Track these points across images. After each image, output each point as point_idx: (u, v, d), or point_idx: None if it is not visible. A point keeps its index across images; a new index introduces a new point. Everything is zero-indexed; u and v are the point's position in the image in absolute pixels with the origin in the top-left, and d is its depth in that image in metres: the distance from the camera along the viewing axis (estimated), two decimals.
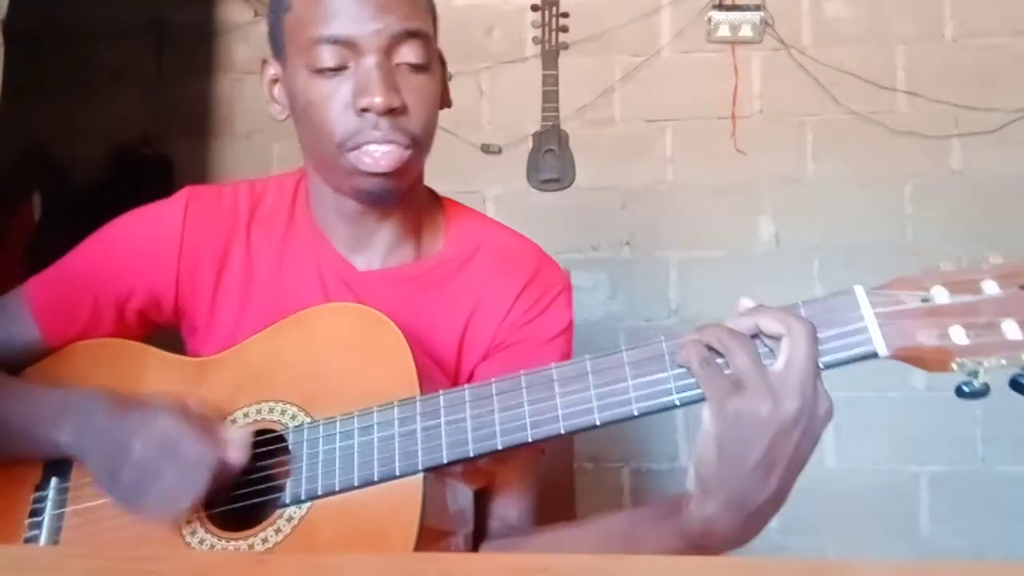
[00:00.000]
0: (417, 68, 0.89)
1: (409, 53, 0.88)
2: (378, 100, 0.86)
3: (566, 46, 2.43)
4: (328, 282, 0.98)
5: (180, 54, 2.62)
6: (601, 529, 0.87)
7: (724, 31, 2.42)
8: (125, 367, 0.95)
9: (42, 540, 0.86)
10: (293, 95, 0.92)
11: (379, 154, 0.88)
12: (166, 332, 1.03)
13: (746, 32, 2.41)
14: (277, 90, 0.97)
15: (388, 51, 0.88)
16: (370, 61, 0.87)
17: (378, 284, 0.98)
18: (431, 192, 1.05)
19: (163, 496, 0.80)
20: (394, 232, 0.99)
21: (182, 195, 1.00)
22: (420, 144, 0.91)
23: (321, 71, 0.88)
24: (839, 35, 2.42)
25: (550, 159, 2.42)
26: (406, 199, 0.98)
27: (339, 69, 0.87)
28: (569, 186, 2.42)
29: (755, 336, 0.73)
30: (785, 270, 2.37)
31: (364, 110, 0.87)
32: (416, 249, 1.01)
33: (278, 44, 0.94)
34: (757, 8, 2.40)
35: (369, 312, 0.87)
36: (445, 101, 0.99)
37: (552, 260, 1.05)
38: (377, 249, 0.99)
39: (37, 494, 0.90)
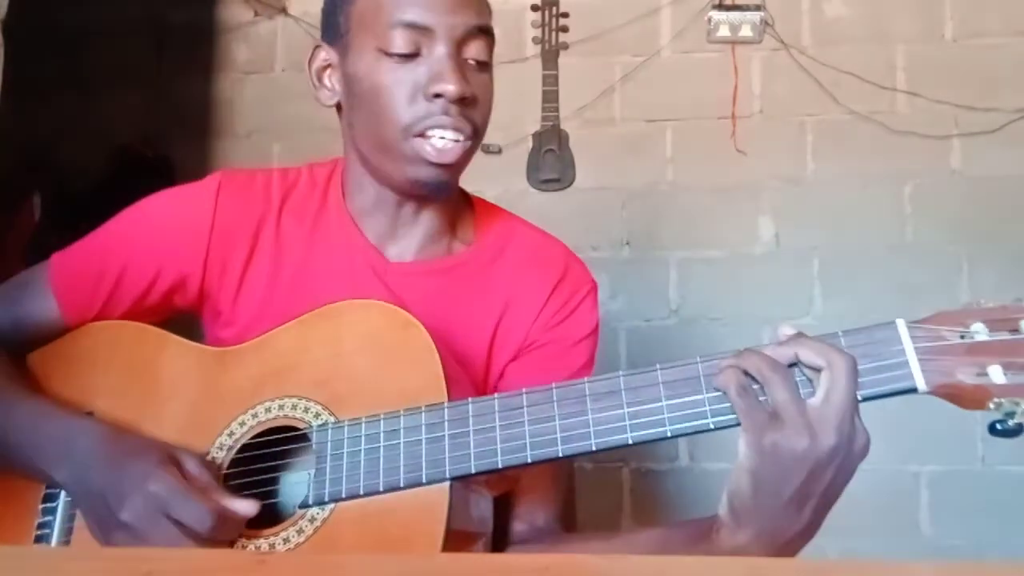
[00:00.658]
0: (481, 65, 0.92)
1: (478, 49, 0.91)
2: (452, 88, 0.87)
3: (566, 46, 2.42)
4: (358, 272, 0.97)
5: (180, 54, 2.62)
6: (632, 546, 0.87)
7: (724, 31, 2.42)
8: (144, 352, 0.93)
9: (54, 535, 0.86)
10: (355, 79, 0.92)
11: (442, 144, 0.89)
12: (183, 319, 1.02)
13: (746, 32, 2.41)
14: (328, 76, 0.97)
15: (460, 44, 0.90)
16: (443, 50, 0.89)
17: (409, 276, 0.98)
18: (461, 189, 1.06)
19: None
20: (430, 225, 0.99)
21: (215, 178, 1.00)
22: (479, 138, 0.93)
23: (393, 55, 0.89)
24: (839, 35, 2.41)
25: (550, 159, 2.42)
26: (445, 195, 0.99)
27: (411, 56, 0.89)
28: (569, 186, 2.42)
29: (793, 365, 0.72)
30: (785, 270, 2.37)
31: (437, 96, 0.88)
32: (448, 244, 1.01)
33: (338, 30, 0.95)
34: (757, 8, 2.40)
35: (398, 312, 0.86)
36: None
37: (579, 259, 1.06)
38: (411, 241, 0.99)
39: (49, 491, 0.89)
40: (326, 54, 0.97)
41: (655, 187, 2.45)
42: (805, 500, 0.71)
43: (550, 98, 2.41)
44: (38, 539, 0.86)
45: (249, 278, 0.98)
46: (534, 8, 2.42)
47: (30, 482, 0.89)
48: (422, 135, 0.89)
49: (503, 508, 0.95)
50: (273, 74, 2.60)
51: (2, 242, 2.32)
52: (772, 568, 0.59)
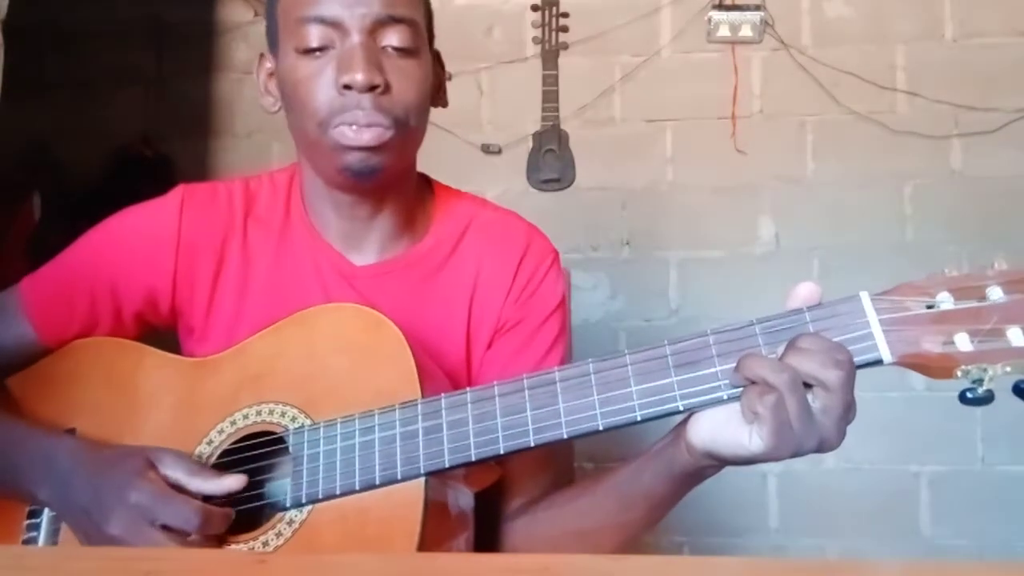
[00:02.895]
0: (402, 52, 0.90)
1: (394, 36, 0.90)
2: (359, 77, 0.86)
3: (566, 46, 2.42)
4: (327, 279, 0.98)
5: (180, 54, 2.62)
6: (615, 484, 0.88)
7: (724, 31, 2.42)
8: (122, 367, 0.94)
9: (40, 540, 0.86)
10: (282, 79, 0.93)
11: (359, 130, 0.88)
12: (160, 335, 1.02)
13: (746, 32, 2.41)
14: (272, 83, 0.98)
15: (372, 33, 0.89)
16: (352, 40, 0.88)
17: (377, 278, 0.98)
18: (423, 179, 1.05)
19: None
20: (388, 225, 0.99)
21: (177, 193, 0.99)
22: (405, 126, 0.90)
23: (307, 51, 0.89)
24: (839, 35, 2.41)
25: (550, 159, 2.42)
26: (397, 191, 0.98)
27: (324, 49, 0.89)
28: (569, 186, 2.42)
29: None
30: (785, 270, 2.37)
31: (346, 87, 0.87)
32: (410, 238, 1.01)
33: (273, 36, 0.95)
34: (757, 8, 2.40)
35: (369, 313, 0.87)
36: (440, 100, 1.00)
37: (539, 230, 1.06)
38: (371, 243, 0.99)
39: (34, 507, 0.89)
40: (268, 63, 0.98)
41: (655, 187, 2.45)
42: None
43: (550, 98, 2.41)
44: (26, 542, 0.87)
45: (219, 292, 0.98)
46: (534, 8, 2.42)
47: (14, 501, 0.89)
48: (338, 127, 0.88)
49: (494, 490, 0.95)
50: None
51: (2, 242, 2.32)
52: (772, 568, 0.59)
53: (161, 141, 2.55)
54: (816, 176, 2.40)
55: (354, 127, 0.88)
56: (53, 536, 0.86)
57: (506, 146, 2.43)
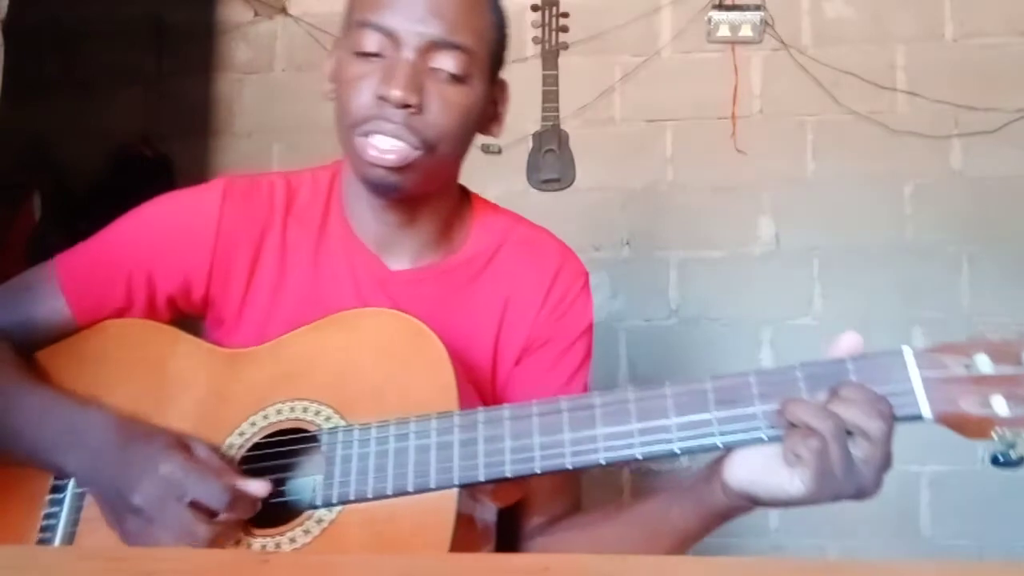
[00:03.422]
0: (452, 78, 0.89)
1: (446, 61, 0.89)
2: (395, 92, 0.86)
3: (566, 46, 2.43)
4: (361, 280, 0.97)
5: (180, 54, 2.62)
6: (642, 515, 0.89)
7: (724, 31, 2.42)
8: (155, 350, 0.93)
9: (60, 526, 0.85)
10: (334, 74, 0.93)
11: (385, 146, 0.87)
12: (183, 321, 1.01)
13: (746, 32, 2.41)
14: (335, 68, 0.97)
15: (425, 52, 0.88)
16: (403, 55, 0.88)
17: (411, 284, 0.98)
18: (463, 190, 1.06)
19: (169, 543, 0.77)
20: (423, 234, 0.99)
21: (219, 184, 0.99)
22: (433, 149, 0.89)
23: (359, 54, 0.89)
24: (839, 35, 2.42)
25: (550, 159, 2.42)
26: (432, 203, 0.98)
27: (375, 55, 0.88)
28: (569, 186, 2.42)
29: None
30: (785, 270, 2.37)
31: (381, 98, 0.87)
32: (446, 248, 1.01)
33: (345, 24, 0.95)
34: (757, 8, 2.40)
35: (411, 321, 0.86)
36: (491, 130, 1.01)
37: (571, 250, 1.06)
38: (406, 249, 0.99)
39: (56, 482, 0.88)
40: (337, 51, 0.97)
41: (655, 187, 2.45)
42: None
43: (550, 98, 2.41)
44: (44, 529, 0.86)
45: (254, 286, 0.97)
46: (534, 8, 2.42)
47: (37, 474, 0.89)
48: (365, 135, 0.88)
49: (513, 523, 0.95)
50: (273, 74, 2.60)
51: (2, 242, 2.32)
52: (772, 568, 0.59)
53: (161, 141, 2.55)
54: (816, 176, 2.40)
55: (378, 141, 0.87)
56: (75, 512, 0.85)
57: (506, 146, 2.43)
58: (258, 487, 0.80)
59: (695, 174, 2.43)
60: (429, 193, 0.96)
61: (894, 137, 2.36)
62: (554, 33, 2.42)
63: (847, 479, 0.73)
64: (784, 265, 2.38)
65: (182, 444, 0.81)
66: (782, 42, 2.42)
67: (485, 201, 1.07)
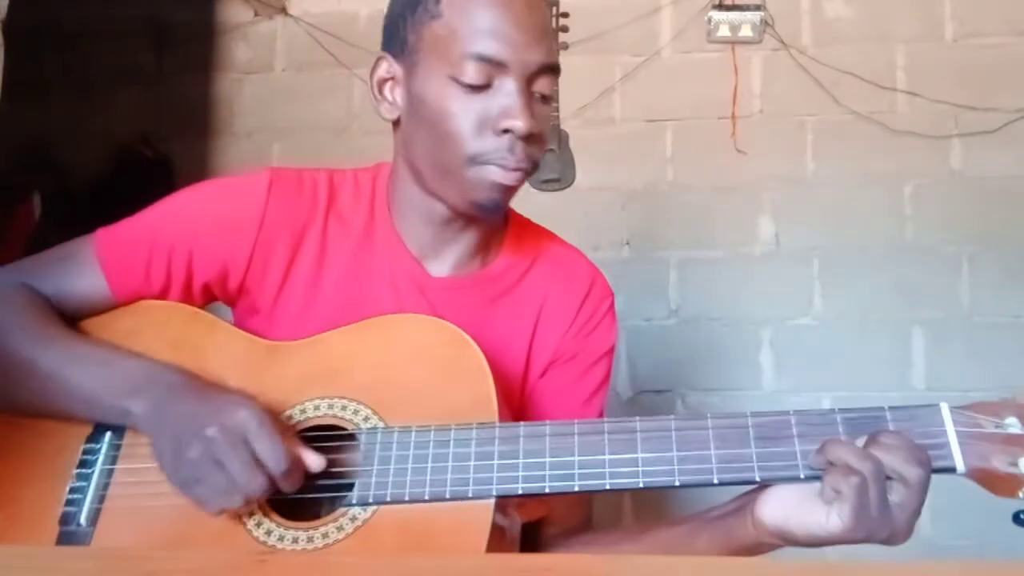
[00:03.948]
0: (546, 99, 0.93)
1: (545, 85, 0.92)
2: (522, 125, 0.87)
3: (566, 46, 2.42)
4: (400, 284, 0.98)
5: (180, 54, 2.62)
6: (666, 538, 0.90)
7: (724, 31, 2.42)
8: (192, 334, 0.93)
9: (88, 493, 0.85)
10: (421, 100, 0.92)
11: (509, 177, 0.90)
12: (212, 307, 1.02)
13: (746, 32, 2.41)
14: (390, 89, 0.96)
15: (531, 79, 0.90)
16: (514, 86, 0.89)
17: (449, 291, 0.99)
18: None
19: (219, 488, 0.78)
20: (471, 242, 1.00)
21: (265, 174, 0.99)
22: (537, 168, 0.94)
23: (464, 84, 0.89)
24: (839, 35, 2.42)
25: (550, 159, 2.42)
26: None
27: (482, 87, 0.89)
28: (569, 186, 2.42)
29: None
30: (785, 270, 2.37)
31: (505, 131, 0.88)
32: (483, 258, 1.02)
33: (406, 45, 0.93)
34: (757, 8, 2.40)
35: (452, 330, 0.87)
36: None
37: (599, 270, 1.09)
38: (450, 256, 1.00)
39: (88, 445, 0.88)
40: (389, 66, 0.96)
41: (655, 187, 2.45)
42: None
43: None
44: (69, 503, 0.85)
45: (291, 280, 0.98)
46: None
47: (67, 441, 0.88)
48: (485, 164, 0.90)
49: (532, 539, 0.96)
50: (273, 74, 2.60)
51: (2, 242, 2.33)
52: (772, 568, 0.59)
53: (161, 141, 2.55)
54: (816, 176, 2.40)
55: (501, 170, 0.89)
56: (103, 489, 0.85)
57: None
58: (313, 460, 0.81)
59: (695, 174, 2.43)
60: None
61: (894, 137, 2.36)
62: (554, 33, 2.42)
63: (882, 520, 0.76)
64: (784, 265, 2.38)
65: (260, 404, 0.82)
66: (782, 42, 2.42)
67: (519, 215, 1.09)
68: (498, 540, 0.80)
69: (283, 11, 2.59)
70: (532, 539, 0.96)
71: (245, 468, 0.77)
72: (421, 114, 0.92)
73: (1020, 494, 0.76)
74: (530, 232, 1.07)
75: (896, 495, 0.75)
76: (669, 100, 2.44)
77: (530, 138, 0.89)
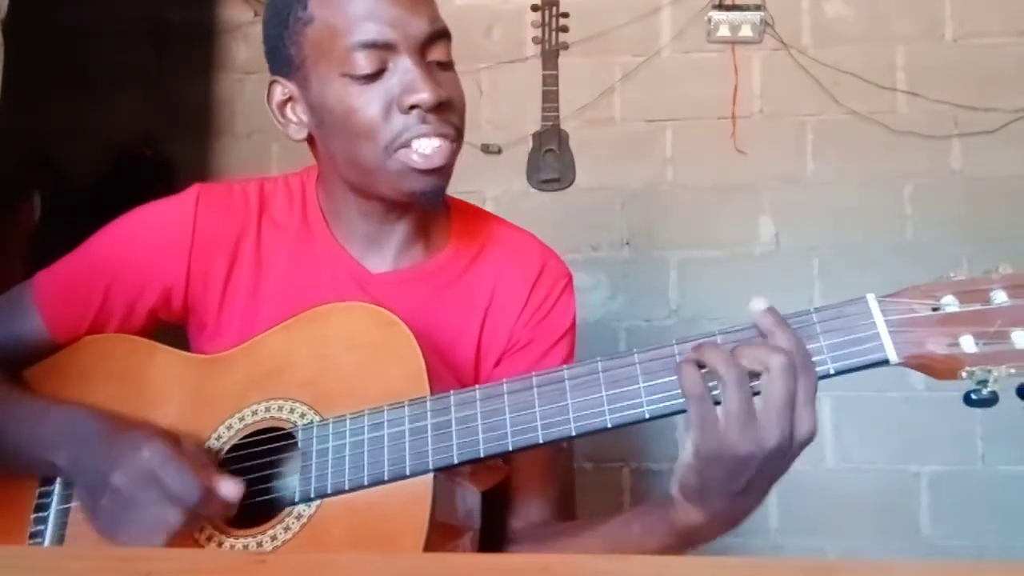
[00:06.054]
0: (445, 66, 0.92)
1: (439, 52, 0.91)
2: (427, 95, 0.87)
3: (566, 46, 2.42)
4: (341, 283, 0.98)
5: (180, 54, 2.62)
6: (605, 529, 0.88)
7: (724, 31, 2.42)
8: (133, 363, 0.94)
9: (47, 534, 0.86)
10: (324, 107, 0.91)
11: (430, 150, 0.88)
12: (167, 331, 1.02)
13: (746, 32, 2.41)
14: (292, 109, 0.96)
15: (422, 51, 0.89)
16: (408, 61, 0.88)
17: (392, 286, 0.98)
18: None
19: (138, 529, 0.78)
20: (406, 233, 0.99)
21: (192, 192, 1.00)
22: (462, 137, 0.92)
23: (359, 77, 0.88)
24: (839, 35, 2.41)
25: (550, 159, 2.42)
26: None
27: (378, 74, 0.88)
28: (569, 186, 2.42)
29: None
30: (785, 270, 2.37)
31: (413, 107, 0.87)
32: (425, 249, 1.01)
33: (292, 62, 0.93)
34: (757, 8, 2.40)
35: (380, 312, 0.87)
36: None
37: (553, 251, 1.07)
38: (388, 250, 0.99)
39: (42, 488, 0.89)
40: (283, 88, 0.96)
41: (655, 187, 2.45)
42: (751, 487, 0.73)
43: (550, 98, 2.41)
44: (33, 535, 0.87)
45: (231, 290, 0.98)
46: (534, 8, 2.42)
47: (23, 488, 0.90)
48: (406, 146, 0.88)
49: (498, 507, 0.95)
50: None
51: (2, 242, 2.32)
52: (772, 568, 0.59)
53: (161, 141, 2.55)
54: (816, 176, 2.40)
55: (422, 146, 0.88)
56: (60, 530, 0.86)
57: (506, 146, 2.43)
58: (228, 488, 0.79)
59: (695, 174, 2.43)
60: None
61: (894, 137, 2.36)
62: (554, 33, 2.42)
63: (740, 424, 0.70)
64: (784, 265, 2.38)
65: (170, 436, 0.82)
66: (782, 42, 2.41)
67: (459, 200, 1.07)
68: (447, 512, 0.81)
69: None
70: (498, 529, 0.96)
71: (156, 507, 0.77)
72: (329, 121, 0.91)
73: (963, 374, 0.69)
74: (477, 219, 1.06)
75: (762, 389, 0.70)
76: (669, 100, 2.44)
77: (441, 107, 0.88)
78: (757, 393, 0.71)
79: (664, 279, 2.42)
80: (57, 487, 0.89)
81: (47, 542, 0.86)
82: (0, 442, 0.89)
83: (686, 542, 0.79)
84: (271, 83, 0.97)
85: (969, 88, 2.33)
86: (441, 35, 0.90)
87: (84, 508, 0.83)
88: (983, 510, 2.24)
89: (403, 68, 0.88)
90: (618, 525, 0.86)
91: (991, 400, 0.69)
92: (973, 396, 0.70)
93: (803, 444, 0.72)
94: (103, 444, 0.83)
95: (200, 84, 2.60)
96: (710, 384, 0.72)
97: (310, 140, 0.98)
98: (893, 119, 2.37)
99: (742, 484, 0.72)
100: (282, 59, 0.94)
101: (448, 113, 0.89)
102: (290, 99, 0.95)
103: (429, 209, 0.99)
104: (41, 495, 0.89)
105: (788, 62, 2.41)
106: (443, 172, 0.91)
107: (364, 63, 0.87)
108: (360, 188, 0.95)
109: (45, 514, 0.88)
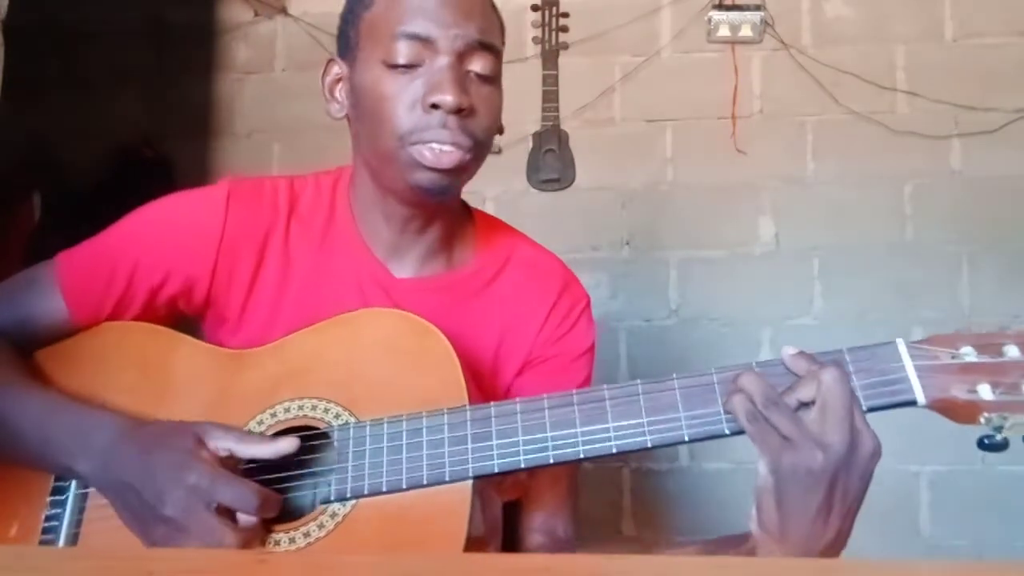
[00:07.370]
0: (485, 79, 0.92)
1: (480, 63, 0.91)
2: (449, 98, 0.88)
3: (566, 46, 2.42)
4: (366, 287, 0.98)
5: (180, 54, 2.62)
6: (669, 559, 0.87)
7: (724, 31, 2.42)
8: (156, 352, 0.94)
9: (63, 527, 0.85)
10: (361, 90, 0.93)
11: (441, 153, 0.89)
12: (180, 323, 1.01)
13: (746, 32, 2.41)
14: (339, 89, 0.98)
15: (462, 56, 0.90)
16: (443, 61, 0.89)
17: (415, 292, 0.98)
18: (463, 202, 1.07)
19: (199, 545, 0.78)
20: (432, 241, 1.00)
21: (224, 185, 0.99)
22: (480, 150, 0.93)
23: (395, 66, 0.90)
24: (839, 35, 2.42)
25: (550, 159, 2.42)
26: (447, 208, 1.00)
27: (413, 66, 0.90)
28: (569, 186, 2.42)
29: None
30: (785, 270, 2.37)
31: (434, 106, 0.88)
32: (448, 259, 1.02)
33: (349, 43, 0.95)
34: (757, 8, 2.40)
35: (416, 320, 0.88)
36: (500, 126, 1.02)
37: (573, 274, 1.08)
38: (413, 257, 1.00)
39: (58, 484, 0.88)
40: (338, 68, 0.98)
41: (655, 187, 2.45)
42: (829, 510, 0.74)
43: (550, 98, 2.41)
44: (46, 531, 0.86)
45: (257, 287, 0.98)
46: (534, 8, 2.42)
47: (36, 475, 0.89)
48: (420, 142, 0.89)
49: (515, 519, 0.96)
50: (273, 74, 2.60)
51: (2, 242, 2.32)
52: (772, 568, 0.59)
53: (161, 141, 2.55)
54: (816, 176, 2.40)
55: (434, 147, 0.89)
56: (79, 513, 0.86)
57: (506, 146, 2.43)
58: (285, 444, 0.81)
59: (695, 174, 2.43)
60: (454, 197, 0.99)
61: (894, 137, 2.36)
62: (554, 33, 2.42)
63: (797, 438, 0.72)
64: (784, 265, 2.38)
65: (200, 442, 0.81)
66: (782, 42, 2.41)
67: (487, 215, 1.09)
68: (480, 521, 0.81)
69: (283, 11, 2.59)
70: (516, 532, 0.96)
71: (213, 532, 0.77)
72: (362, 105, 0.93)
73: (981, 419, 0.75)
74: (502, 235, 1.07)
75: (815, 409, 0.73)
76: (669, 100, 2.44)
77: (467, 115, 0.89)
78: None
79: (664, 279, 2.42)
80: (72, 485, 0.88)
81: (63, 525, 0.85)
82: (9, 436, 0.88)
83: None
84: (329, 61, 0.99)
85: (969, 88, 2.33)
86: (487, 47, 0.91)
87: (127, 523, 0.82)
88: (983, 510, 2.23)
89: (437, 67, 0.89)
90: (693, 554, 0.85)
91: (1002, 446, 0.75)
92: (986, 441, 0.75)
93: (870, 458, 0.74)
94: (136, 466, 0.81)
95: (200, 84, 2.60)
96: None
97: (349, 122, 0.99)
98: (893, 119, 2.37)
99: (818, 502, 0.73)
100: (343, 40, 0.97)
101: (469, 122, 0.90)
102: (340, 79, 0.98)
103: (448, 217, 1.00)
104: (55, 491, 0.88)
105: (788, 62, 2.41)
106: (451, 173, 0.91)
107: (402, 53, 0.89)
108: (379, 180, 0.96)
109: (63, 496, 0.87)
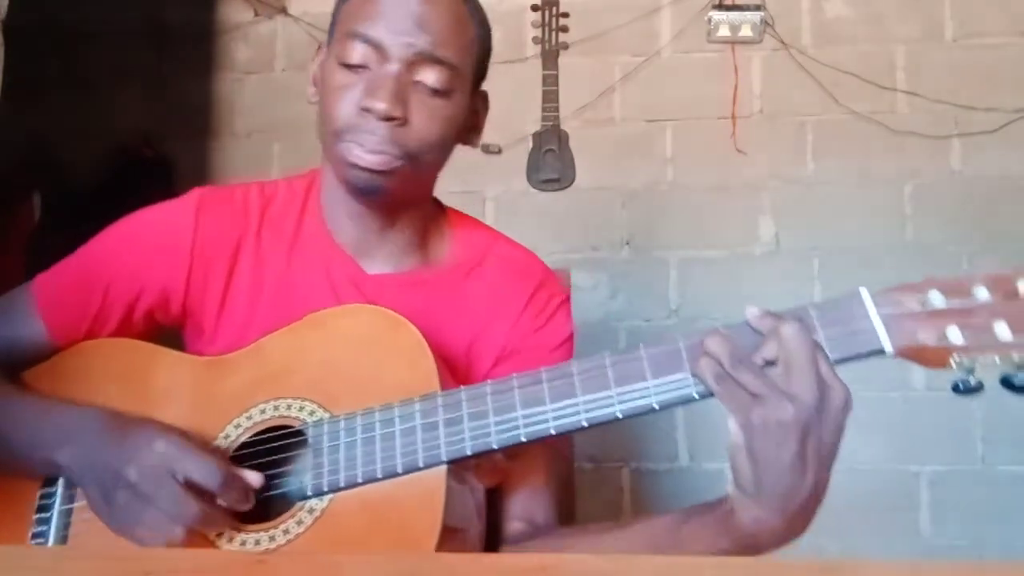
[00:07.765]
0: (434, 92, 0.91)
1: (430, 75, 0.90)
2: (380, 105, 0.88)
3: (566, 46, 2.42)
4: (338, 284, 0.98)
5: (180, 54, 2.62)
6: (646, 531, 0.86)
7: (724, 31, 2.42)
8: (136, 364, 0.94)
9: (51, 536, 0.86)
10: (321, 80, 0.96)
11: (367, 154, 0.90)
12: (163, 334, 1.02)
13: (746, 32, 2.41)
14: (318, 74, 0.99)
15: (411, 66, 0.90)
16: (389, 68, 0.90)
17: (388, 288, 0.99)
18: (437, 202, 1.07)
19: (155, 526, 0.78)
20: (401, 238, 1.00)
21: (193, 195, 1.00)
22: (416, 160, 0.92)
23: (345, 64, 0.91)
24: (839, 35, 2.42)
25: (550, 159, 2.42)
26: (411, 210, 1.00)
27: (361, 67, 0.90)
28: (569, 186, 2.42)
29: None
30: (785, 270, 2.37)
31: (365, 110, 0.89)
32: (423, 256, 1.02)
33: (329, 32, 0.97)
34: (757, 8, 2.40)
35: (387, 313, 0.88)
36: (472, 140, 1.02)
37: (552, 272, 1.07)
38: (384, 254, 1.00)
39: (44, 490, 0.89)
40: (321, 56, 1.00)
41: (655, 187, 2.45)
42: (804, 462, 0.73)
43: (550, 98, 2.41)
44: (34, 536, 0.86)
45: (231, 295, 0.98)
46: (534, 8, 2.42)
47: (25, 488, 0.89)
48: (350, 140, 0.90)
49: (495, 507, 0.95)
50: (273, 74, 2.60)
51: (2, 242, 2.33)
52: (772, 568, 0.59)
53: (161, 141, 2.55)
54: (816, 176, 2.40)
55: (363, 147, 0.90)
56: (64, 529, 0.86)
57: (506, 146, 2.43)
58: (253, 476, 0.81)
59: (695, 174, 2.43)
60: (407, 199, 0.98)
61: (894, 137, 2.36)
62: (554, 33, 2.42)
63: (766, 395, 0.71)
64: (784, 265, 2.38)
65: (179, 431, 0.83)
66: (782, 42, 2.41)
67: (462, 214, 1.08)
68: (459, 507, 0.81)
69: (283, 11, 2.59)
70: (498, 519, 0.96)
71: (174, 501, 0.77)
72: (320, 95, 0.96)
73: (952, 363, 0.73)
74: (480, 233, 1.07)
75: (780, 354, 0.72)
76: (669, 100, 2.44)
77: (399, 124, 0.89)
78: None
79: (664, 279, 2.42)
80: (60, 487, 0.88)
81: (50, 543, 0.85)
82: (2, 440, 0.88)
83: (742, 545, 0.77)
84: (318, 47, 1.01)
85: (969, 88, 2.34)
86: (439, 61, 0.90)
87: (95, 506, 0.83)
88: (983, 510, 2.23)
89: (381, 73, 0.90)
90: (660, 527, 0.84)
91: (977, 388, 0.73)
92: (960, 385, 0.73)
93: (841, 409, 0.73)
94: (112, 441, 0.83)
95: (200, 84, 2.60)
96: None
97: None
98: (893, 119, 2.37)
99: (791, 454, 0.72)
100: (330, 28, 0.98)
101: (402, 132, 0.90)
102: (319, 66, 1.00)
103: (414, 216, 1.00)
104: (43, 496, 0.89)
105: (788, 62, 2.41)
106: (381, 175, 0.91)
107: (350, 52, 0.90)
108: (333, 171, 0.97)
109: (48, 515, 0.87)
